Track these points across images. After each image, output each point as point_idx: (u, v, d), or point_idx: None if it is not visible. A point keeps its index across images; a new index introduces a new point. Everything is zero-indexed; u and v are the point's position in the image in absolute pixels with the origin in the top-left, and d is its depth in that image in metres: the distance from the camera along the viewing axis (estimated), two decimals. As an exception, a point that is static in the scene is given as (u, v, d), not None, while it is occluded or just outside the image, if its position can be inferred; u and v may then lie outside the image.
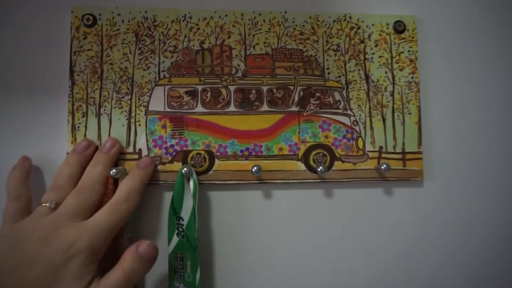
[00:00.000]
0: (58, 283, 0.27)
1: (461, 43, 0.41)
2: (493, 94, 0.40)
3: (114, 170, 0.32)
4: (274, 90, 0.37)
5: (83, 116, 0.35)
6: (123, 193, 0.31)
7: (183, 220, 0.33)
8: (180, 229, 0.33)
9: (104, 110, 0.35)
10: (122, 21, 0.36)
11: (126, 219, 0.31)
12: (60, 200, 0.31)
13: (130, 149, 0.35)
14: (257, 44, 0.37)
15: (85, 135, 0.35)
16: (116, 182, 0.33)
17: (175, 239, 0.33)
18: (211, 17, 0.37)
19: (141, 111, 0.35)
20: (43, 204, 0.31)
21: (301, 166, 0.36)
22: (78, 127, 0.35)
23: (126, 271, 0.29)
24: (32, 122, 0.35)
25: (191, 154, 0.36)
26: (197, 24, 0.37)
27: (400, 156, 0.37)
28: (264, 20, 0.37)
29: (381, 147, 0.37)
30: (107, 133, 0.35)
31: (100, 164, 0.33)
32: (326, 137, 0.37)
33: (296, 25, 0.38)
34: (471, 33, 0.41)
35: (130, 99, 0.35)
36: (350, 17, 0.38)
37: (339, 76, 0.38)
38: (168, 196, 0.35)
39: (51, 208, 0.30)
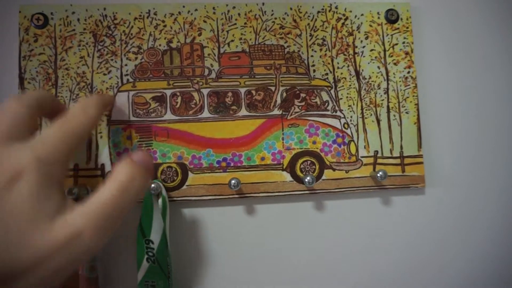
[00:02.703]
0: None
1: (461, 32, 0.37)
2: (498, 88, 0.36)
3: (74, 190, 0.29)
4: (253, 92, 0.33)
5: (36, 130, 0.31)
6: (77, 105, 0.25)
7: (153, 243, 0.29)
8: (150, 254, 0.29)
9: (60, 121, 0.31)
10: (78, 20, 0.32)
11: (87, 132, 0.24)
12: None
13: (92, 165, 0.31)
14: (232, 41, 0.33)
15: (37, 151, 0.31)
16: None
17: (145, 265, 0.29)
18: (179, 13, 0.33)
19: (103, 121, 0.31)
20: None
21: (287, 176, 0.33)
22: (31, 142, 0.31)
23: (123, 182, 0.23)
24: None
25: (161, 168, 0.32)
26: (163, 21, 0.33)
27: (398, 161, 0.34)
28: (239, 14, 0.33)
29: (376, 152, 0.34)
30: (63, 148, 0.31)
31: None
32: (314, 142, 0.33)
33: (276, 18, 0.34)
34: (472, 21, 0.37)
35: (89, 108, 0.31)
36: (336, 7, 0.34)
37: (326, 74, 0.34)
38: (135, 217, 0.31)
39: None
